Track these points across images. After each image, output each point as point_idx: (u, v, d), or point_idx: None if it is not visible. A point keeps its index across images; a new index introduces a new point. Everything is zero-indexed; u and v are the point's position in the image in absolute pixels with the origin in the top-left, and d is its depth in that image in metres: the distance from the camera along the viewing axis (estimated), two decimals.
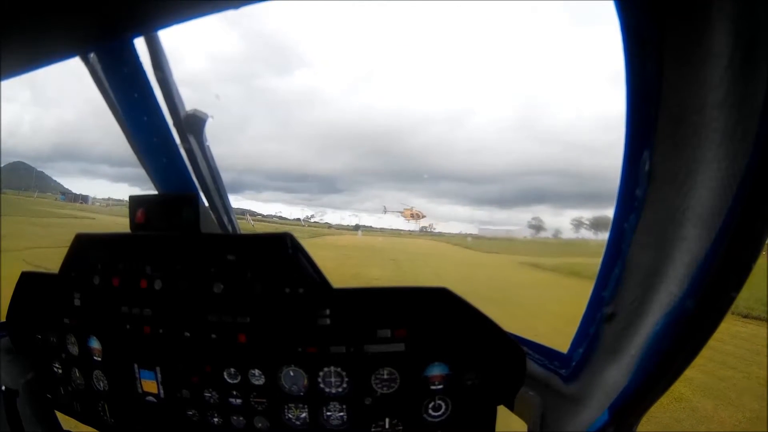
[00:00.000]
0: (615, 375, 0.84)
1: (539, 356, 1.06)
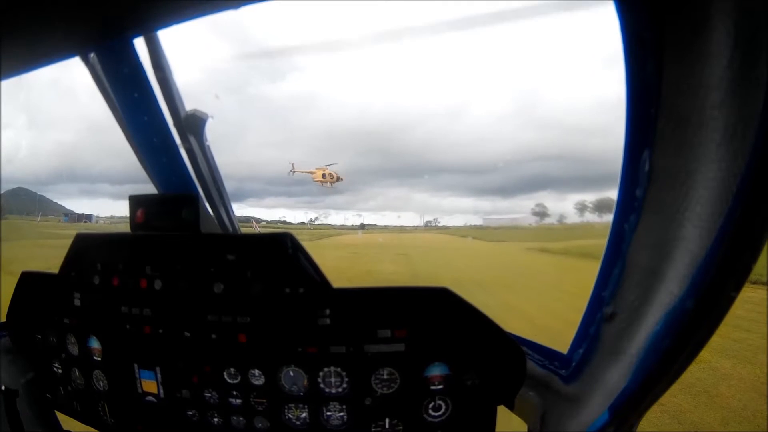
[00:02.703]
0: (615, 375, 0.84)
1: (539, 356, 1.06)
